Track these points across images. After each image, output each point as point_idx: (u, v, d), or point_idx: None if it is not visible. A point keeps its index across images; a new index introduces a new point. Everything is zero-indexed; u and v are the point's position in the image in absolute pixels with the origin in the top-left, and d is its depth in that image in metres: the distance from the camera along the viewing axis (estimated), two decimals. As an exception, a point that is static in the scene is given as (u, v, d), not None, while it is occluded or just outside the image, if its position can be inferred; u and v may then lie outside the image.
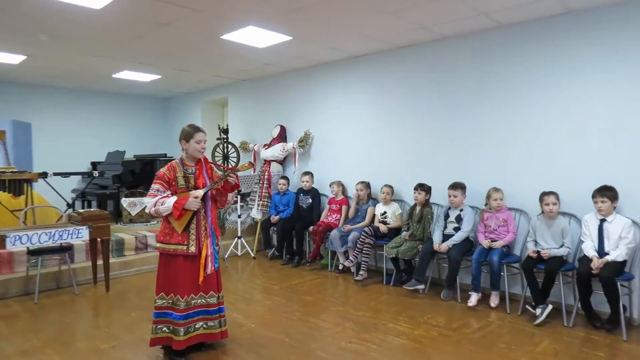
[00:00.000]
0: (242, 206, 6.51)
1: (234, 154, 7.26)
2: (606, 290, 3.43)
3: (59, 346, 3.30)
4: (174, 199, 2.85)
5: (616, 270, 3.43)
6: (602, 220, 3.66)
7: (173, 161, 3.01)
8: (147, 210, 2.88)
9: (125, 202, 7.07)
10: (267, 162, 6.64)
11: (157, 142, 9.25)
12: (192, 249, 2.93)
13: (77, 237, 4.40)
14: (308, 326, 3.71)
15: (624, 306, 3.49)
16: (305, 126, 6.40)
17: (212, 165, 3.21)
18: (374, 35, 4.81)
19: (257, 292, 4.72)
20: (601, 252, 3.59)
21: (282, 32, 4.69)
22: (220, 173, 3.14)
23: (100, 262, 4.86)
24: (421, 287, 4.45)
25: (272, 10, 4.07)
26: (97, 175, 6.10)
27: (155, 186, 2.90)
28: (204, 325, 3.02)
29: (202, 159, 3.07)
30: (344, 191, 5.79)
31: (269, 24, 4.46)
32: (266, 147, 6.76)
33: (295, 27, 4.56)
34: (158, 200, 2.84)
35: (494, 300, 4.09)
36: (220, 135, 7.13)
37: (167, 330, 2.95)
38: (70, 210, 5.68)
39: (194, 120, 8.59)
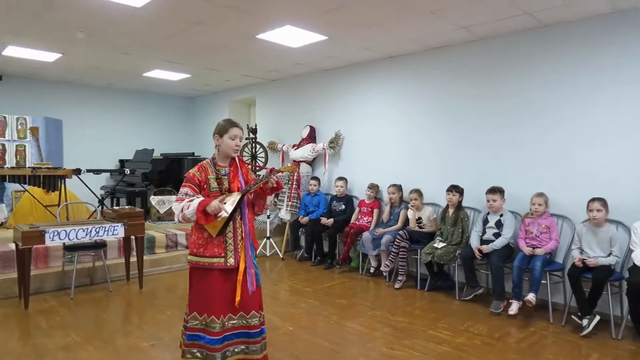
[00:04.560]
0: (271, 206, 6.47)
1: (262, 154, 7.24)
2: (659, 301, 3.29)
3: (99, 343, 3.30)
4: (200, 199, 2.43)
5: (671, 281, 3.29)
6: (654, 229, 3.51)
7: (204, 161, 2.62)
8: (175, 219, 2.49)
9: (154, 199, 7.11)
10: (297, 163, 6.60)
11: (184, 141, 9.29)
12: (231, 260, 2.51)
13: (112, 234, 4.42)
14: (346, 330, 3.65)
15: (678, 319, 3.34)
16: (335, 127, 6.34)
17: (250, 167, 2.85)
18: (410, 35, 4.73)
19: (289, 294, 4.67)
20: (653, 262, 3.44)
21: (318, 31, 4.64)
22: (254, 176, 2.73)
23: (132, 259, 4.88)
24: (480, 291, 4.37)
25: (309, 10, 4.02)
26: (129, 172, 6.13)
27: (184, 189, 2.50)
28: (245, 350, 2.59)
29: (236, 159, 2.65)
30: (376, 194, 5.71)
31: (306, 24, 4.42)
32: (295, 147, 6.72)
33: (331, 27, 4.50)
34: (185, 204, 2.42)
35: (530, 297, 3.82)
36: (248, 135, 7.11)
37: (199, 356, 2.53)
38: (102, 207, 5.72)
39: (220, 119, 8.60)
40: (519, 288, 3.99)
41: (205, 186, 2.53)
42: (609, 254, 3.71)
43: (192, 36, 4.85)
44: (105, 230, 4.36)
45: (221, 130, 2.57)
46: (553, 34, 4.27)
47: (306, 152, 6.54)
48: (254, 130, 7.12)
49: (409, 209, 5.13)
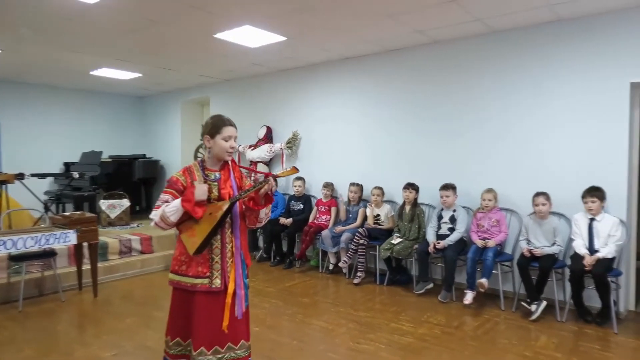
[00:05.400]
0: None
1: (218, 155, 7.14)
2: (598, 286, 3.61)
3: (57, 356, 3.15)
4: (179, 199, 2.11)
5: (607, 267, 3.62)
6: (592, 220, 3.84)
7: (190, 164, 2.27)
8: (152, 224, 2.14)
9: (104, 204, 6.83)
10: (254, 163, 6.57)
11: (134, 143, 8.94)
12: (217, 282, 2.15)
13: (64, 241, 4.19)
14: (312, 328, 3.70)
15: (614, 301, 3.68)
16: (292, 127, 6.38)
17: (244, 170, 2.49)
18: (367, 37, 4.86)
19: (252, 295, 4.62)
20: (591, 250, 3.76)
21: (277, 32, 4.66)
22: (251, 182, 2.37)
23: (84, 267, 4.67)
24: (430, 286, 4.53)
25: (270, 10, 4.04)
26: (78, 176, 5.85)
27: (164, 197, 2.16)
28: None
29: (229, 163, 2.29)
30: (332, 192, 5.81)
31: (266, 24, 4.43)
32: (252, 148, 6.69)
33: (290, 28, 4.54)
34: (162, 209, 2.11)
35: (483, 282, 4.04)
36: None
37: None
38: (49, 214, 5.42)
39: (173, 120, 8.41)
40: (473, 279, 4.22)
41: None
42: (553, 244, 4.02)
43: (147, 34, 4.71)
44: (56, 238, 4.13)
45: (212, 130, 2.18)
46: (501, 39, 4.55)
47: (263, 152, 6.53)
48: (209, 131, 7.02)
49: (368, 207, 5.26)
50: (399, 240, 4.78)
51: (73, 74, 6.83)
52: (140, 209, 8.26)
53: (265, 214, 2.27)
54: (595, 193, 3.82)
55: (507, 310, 4.09)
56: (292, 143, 6.30)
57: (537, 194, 4.11)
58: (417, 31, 4.59)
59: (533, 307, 3.86)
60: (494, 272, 4.16)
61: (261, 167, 6.56)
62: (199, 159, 2.32)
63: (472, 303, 4.17)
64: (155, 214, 2.13)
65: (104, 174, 7.37)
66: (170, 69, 6.43)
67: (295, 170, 2.20)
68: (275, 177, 2.18)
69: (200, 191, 2.09)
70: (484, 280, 4.06)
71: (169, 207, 2.10)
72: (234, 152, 2.19)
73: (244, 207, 2.25)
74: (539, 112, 4.35)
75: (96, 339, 3.46)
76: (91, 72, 6.65)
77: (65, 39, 4.89)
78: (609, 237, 3.74)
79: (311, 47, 5.26)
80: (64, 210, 7.42)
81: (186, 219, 2.13)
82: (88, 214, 4.67)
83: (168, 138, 8.52)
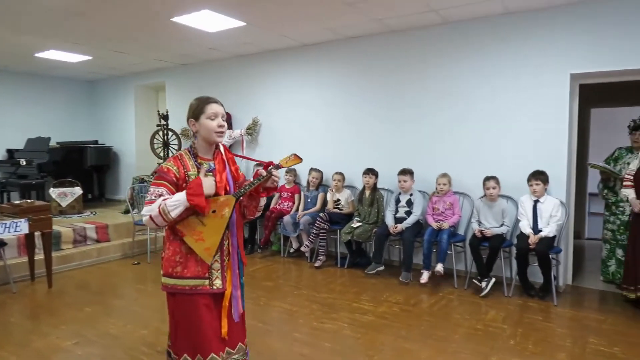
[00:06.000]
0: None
1: (175, 142, 7.01)
2: (541, 262, 3.92)
3: (13, 347, 3.06)
4: (182, 193, 1.88)
5: (548, 245, 3.92)
6: (536, 201, 4.14)
7: (180, 152, 2.04)
8: (145, 219, 1.88)
9: (54, 192, 6.56)
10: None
11: (84, 129, 8.59)
12: (218, 283, 1.98)
13: (15, 231, 4.04)
14: (276, 310, 3.79)
15: (554, 276, 4.00)
16: (252, 113, 6.36)
17: (238, 159, 2.24)
18: (327, 25, 4.91)
19: (214, 281, 4.67)
20: (535, 229, 4.06)
21: (237, 17, 4.62)
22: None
23: (37, 257, 4.50)
24: (381, 268, 4.70)
25: (230, -5, 4.01)
26: (25, 163, 5.57)
27: (157, 190, 1.90)
28: None
29: (221, 149, 2.09)
30: (295, 178, 5.87)
31: (225, 9, 4.38)
32: (211, 134, 6.60)
33: (250, 13, 4.51)
34: (160, 202, 1.85)
35: (439, 268, 4.29)
36: (159, 121, 6.84)
37: None
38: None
39: (126, 105, 8.14)
40: (428, 259, 4.44)
41: (184, 185, 1.93)
42: (502, 225, 4.30)
43: (101, 16, 4.53)
44: (5, 227, 3.96)
45: (196, 112, 1.99)
46: (455, 31, 4.74)
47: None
48: (165, 117, 6.86)
49: (329, 192, 5.38)
50: (359, 224, 4.93)
51: (16, 56, 6.45)
52: (93, 197, 7.99)
53: (263, 203, 2.15)
54: (539, 177, 4.12)
55: (459, 288, 4.34)
56: (253, 129, 6.29)
57: (487, 178, 4.37)
58: (375, 20, 4.70)
59: (483, 284, 4.14)
60: (448, 252, 4.40)
61: (220, 154, 6.51)
62: (190, 145, 2.06)
63: (428, 282, 4.39)
64: (150, 209, 1.86)
65: (52, 161, 7.05)
66: (123, 52, 6.21)
67: (298, 158, 2.00)
68: (277, 168, 1.98)
69: (209, 183, 1.91)
70: (439, 267, 4.30)
71: (171, 200, 1.84)
72: (224, 133, 1.99)
73: (243, 198, 2.07)
74: (488, 101, 4.60)
75: (54, 329, 3.38)
76: (36, 54, 6.30)
77: (8, 18, 4.61)
78: (551, 218, 4.05)
79: (270, 33, 5.25)
80: (9, 200, 7.05)
81: (185, 217, 1.91)
82: (39, 202, 4.49)
83: (121, 124, 8.24)
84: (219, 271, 1.99)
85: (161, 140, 6.88)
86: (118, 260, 5.49)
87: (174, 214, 1.84)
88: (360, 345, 3.13)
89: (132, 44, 5.79)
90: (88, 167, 7.79)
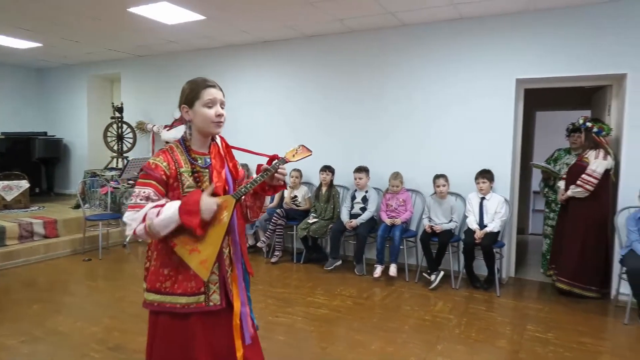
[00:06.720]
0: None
1: (130, 135, 6.84)
2: (485, 256, 4.16)
3: (-47, 347, 2.94)
4: (177, 202, 1.56)
5: (493, 240, 4.16)
6: (482, 199, 4.37)
7: (170, 144, 1.71)
8: (129, 232, 1.55)
9: (-2, 185, 6.25)
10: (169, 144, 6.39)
11: (33, 119, 8.19)
12: (215, 298, 1.65)
13: (-45, 226, 3.85)
14: (232, 305, 3.81)
15: (497, 269, 4.25)
16: (211, 108, 6.29)
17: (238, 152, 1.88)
18: (288, 22, 4.95)
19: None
20: (481, 225, 4.30)
21: (197, 10, 4.58)
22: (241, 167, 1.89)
23: (-20, 253, 4.32)
24: (339, 263, 4.82)
25: (189, -12, 3.97)
26: (-34, 155, 5.30)
27: (143, 191, 1.57)
28: None
29: (218, 142, 1.78)
30: (248, 173, 5.88)
31: (184, 2, 4.33)
32: (168, 128, 6.50)
33: (210, 7, 4.49)
34: (149, 211, 1.53)
35: (392, 271, 4.56)
36: (114, 113, 6.66)
37: None
38: None
39: (79, 96, 7.84)
40: (382, 254, 4.60)
41: (176, 184, 1.63)
42: (450, 221, 4.51)
43: (55, 2, 4.36)
44: (-56, 221, 3.77)
45: (189, 97, 1.66)
46: (410, 33, 4.90)
47: (179, 133, 6.27)
48: (119, 109, 6.69)
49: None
50: (315, 220, 5.02)
51: (-43, 40, 6.08)
52: (41, 191, 7.67)
53: (269, 202, 1.87)
54: (485, 175, 4.36)
55: (410, 282, 4.52)
56: (210, 124, 6.23)
57: (438, 176, 4.56)
58: (336, 19, 4.79)
59: (432, 277, 4.33)
60: (400, 247, 4.57)
61: (177, 148, 6.42)
62: (181, 137, 1.73)
63: (381, 276, 4.55)
64: (135, 218, 1.53)
65: (-5, 153, 6.73)
66: (75, 40, 5.99)
67: (307, 150, 1.70)
68: (284, 162, 1.67)
69: (209, 208, 1.55)
70: (393, 269, 4.49)
71: (160, 218, 1.51)
72: (223, 123, 1.70)
73: (247, 199, 1.79)
74: (439, 102, 4.80)
75: (-1, 327, 3.27)
76: (-20, 39, 5.98)
77: (-50, 0, 4.37)
78: (496, 214, 4.30)
79: (231, 29, 5.24)
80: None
81: (176, 230, 1.57)
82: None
83: (73, 115, 7.94)
84: (217, 284, 1.66)
85: (115, 133, 6.71)
86: (68, 256, 5.32)
87: (163, 232, 1.53)
88: (314, 337, 3.22)
89: (85, 33, 5.60)
90: (36, 160, 7.47)
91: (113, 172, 6.56)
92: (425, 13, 4.51)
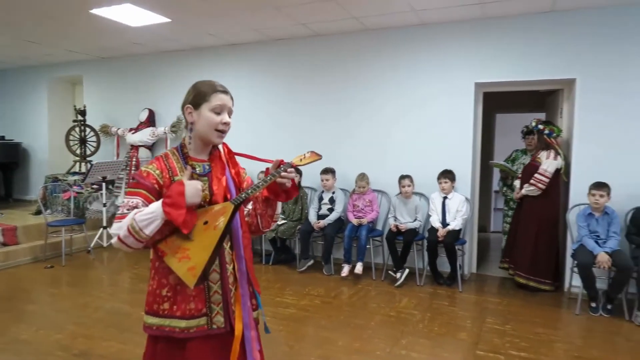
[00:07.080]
0: (107, 194, 6.08)
1: (93, 138, 6.70)
2: (448, 253, 4.32)
3: None
4: (159, 202, 1.41)
5: (455, 237, 4.33)
6: (445, 198, 4.54)
7: (166, 151, 1.60)
8: (114, 241, 1.42)
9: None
10: (135, 148, 6.32)
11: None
12: (219, 320, 1.52)
13: None
14: (200, 307, 3.81)
15: (460, 265, 4.42)
16: (177, 111, 6.20)
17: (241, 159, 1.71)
18: (254, 26, 4.99)
19: (135, 281, 4.58)
20: (444, 223, 4.46)
21: (161, 13, 4.56)
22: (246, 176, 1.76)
23: None
24: (310, 262, 4.89)
25: (153, -9, 3.96)
26: None
27: (131, 200, 1.45)
28: None
29: (221, 149, 1.67)
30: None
31: (148, 4, 4.31)
32: (133, 131, 6.41)
33: (175, 10, 4.47)
34: (131, 217, 1.39)
35: (359, 269, 4.64)
36: (76, 116, 6.51)
37: None
38: None
39: (38, 99, 7.61)
40: (349, 254, 4.69)
41: None
42: (415, 220, 4.66)
43: (12, 1, 4.24)
44: None
45: (197, 98, 1.54)
46: (373, 37, 5.03)
47: (145, 136, 6.31)
48: (82, 112, 6.54)
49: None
50: (284, 221, 5.07)
51: None
52: (-1, 197, 7.39)
53: (280, 210, 1.70)
54: (447, 175, 4.52)
55: (377, 280, 4.64)
56: (177, 127, 6.20)
57: (403, 177, 4.70)
58: (301, 24, 4.86)
59: (398, 275, 4.46)
60: (367, 247, 4.68)
61: (143, 152, 6.34)
62: (179, 143, 1.61)
63: (349, 275, 4.64)
64: (119, 227, 1.41)
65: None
66: (34, 41, 5.83)
67: (316, 155, 1.52)
68: (290, 167, 1.51)
69: (193, 190, 1.43)
70: (359, 267, 4.59)
71: (141, 213, 1.38)
72: (227, 133, 1.58)
73: (251, 208, 1.66)
74: (402, 105, 4.95)
75: (-44, 338, 3.16)
76: None
77: None
78: (457, 212, 4.47)
79: (196, 31, 5.23)
80: None
81: (168, 234, 1.45)
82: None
83: (33, 119, 7.68)
84: (220, 305, 1.52)
85: (78, 136, 6.55)
86: (28, 264, 5.16)
87: (148, 230, 1.38)
88: (282, 336, 3.27)
89: (45, 34, 5.45)
90: (-7, 165, 7.20)
91: (76, 177, 6.41)
92: (388, 18, 4.65)
